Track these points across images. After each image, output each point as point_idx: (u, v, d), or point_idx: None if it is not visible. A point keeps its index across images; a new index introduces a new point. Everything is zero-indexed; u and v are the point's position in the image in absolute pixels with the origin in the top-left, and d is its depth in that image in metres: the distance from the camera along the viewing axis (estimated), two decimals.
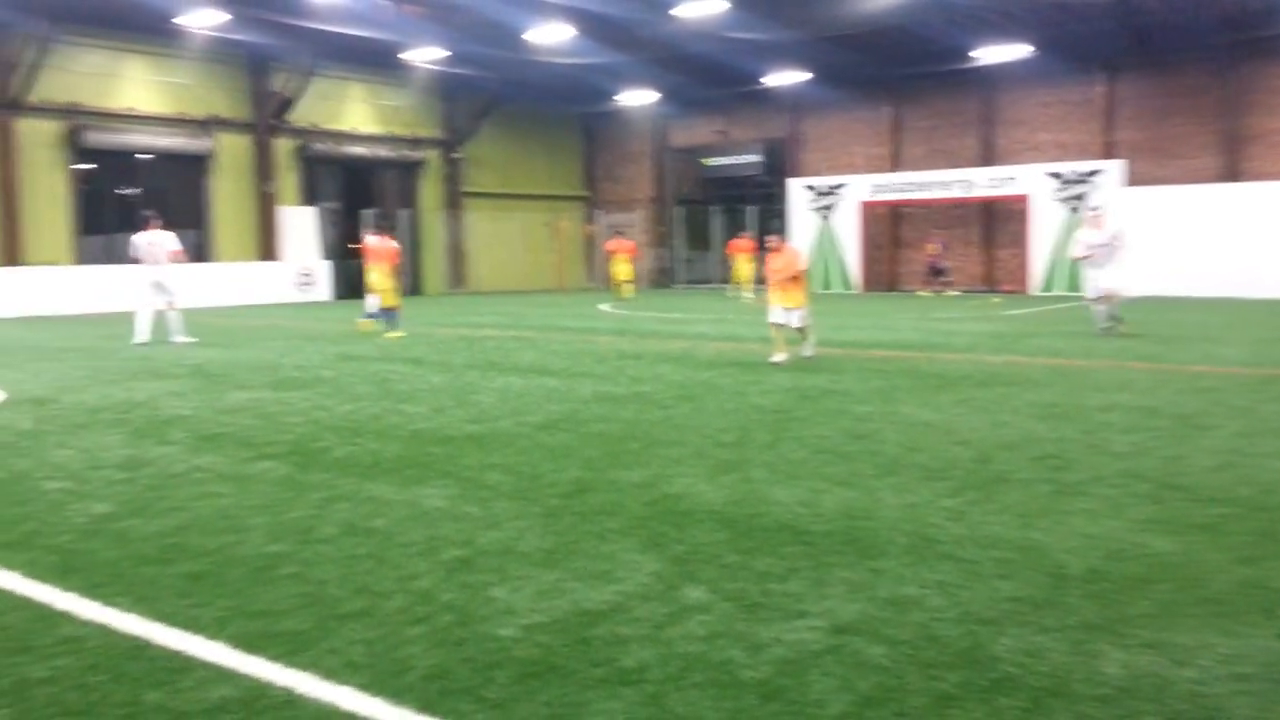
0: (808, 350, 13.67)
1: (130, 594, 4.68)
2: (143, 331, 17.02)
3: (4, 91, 26.93)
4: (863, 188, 34.40)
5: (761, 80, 34.69)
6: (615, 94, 37.98)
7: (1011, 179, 31.69)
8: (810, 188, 35.64)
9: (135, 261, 17.58)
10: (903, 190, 33.92)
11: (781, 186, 37.07)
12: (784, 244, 13.96)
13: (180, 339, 17.06)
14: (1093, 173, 30.02)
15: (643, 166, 41.79)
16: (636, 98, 38.10)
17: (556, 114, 40.53)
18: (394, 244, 19.44)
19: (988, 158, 33.14)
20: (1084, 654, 3.86)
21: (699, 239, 41.10)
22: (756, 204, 38.09)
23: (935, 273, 32.35)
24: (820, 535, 5.41)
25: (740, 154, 39.27)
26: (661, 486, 6.55)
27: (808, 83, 34.38)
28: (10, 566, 5.11)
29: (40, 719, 3.46)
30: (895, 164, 35.06)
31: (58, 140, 28.44)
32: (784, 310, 13.44)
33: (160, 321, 17.22)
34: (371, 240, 19.65)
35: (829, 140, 36.90)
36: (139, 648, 4.07)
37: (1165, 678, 3.65)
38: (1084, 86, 31.52)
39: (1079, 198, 29.83)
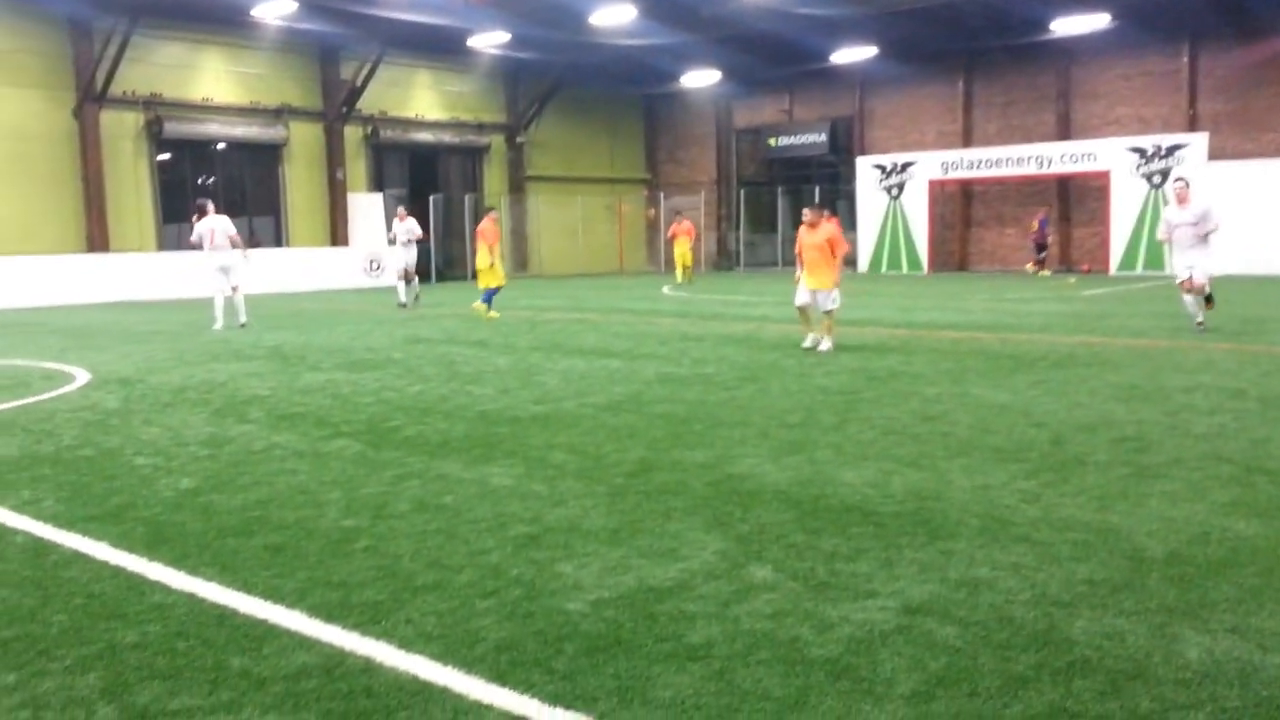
0: (824, 344, 12.55)
1: (215, 564, 4.84)
2: (219, 316, 17.41)
3: (89, 84, 27.72)
4: (932, 165, 33.66)
5: (827, 57, 34.10)
6: (678, 75, 37.74)
7: (1090, 155, 30.72)
8: (878, 166, 34.95)
9: (196, 248, 17.88)
10: (974, 168, 33.14)
11: (848, 166, 36.57)
12: (821, 218, 13.04)
13: (242, 320, 17.33)
14: (1176, 147, 29.08)
15: (705, 148, 41.51)
16: (699, 78, 37.82)
17: (619, 97, 40.47)
18: (495, 225, 19.46)
19: (1065, 133, 32.17)
20: (1164, 638, 3.79)
21: (763, 221, 40.78)
22: (822, 184, 37.54)
23: (1040, 248, 30.71)
24: (889, 516, 5.38)
25: (805, 133, 38.64)
26: (725, 467, 6.56)
27: (875, 58, 33.67)
28: (102, 538, 5.31)
29: (130, 681, 3.58)
30: (967, 141, 34.25)
31: (139, 131, 29.28)
32: (809, 291, 12.73)
33: (229, 305, 17.58)
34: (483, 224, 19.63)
35: (897, 117, 36.19)
36: (224, 615, 4.20)
37: (1250, 663, 3.58)
38: (1167, 57, 30.43)
39: (1162, 173, 28.99)
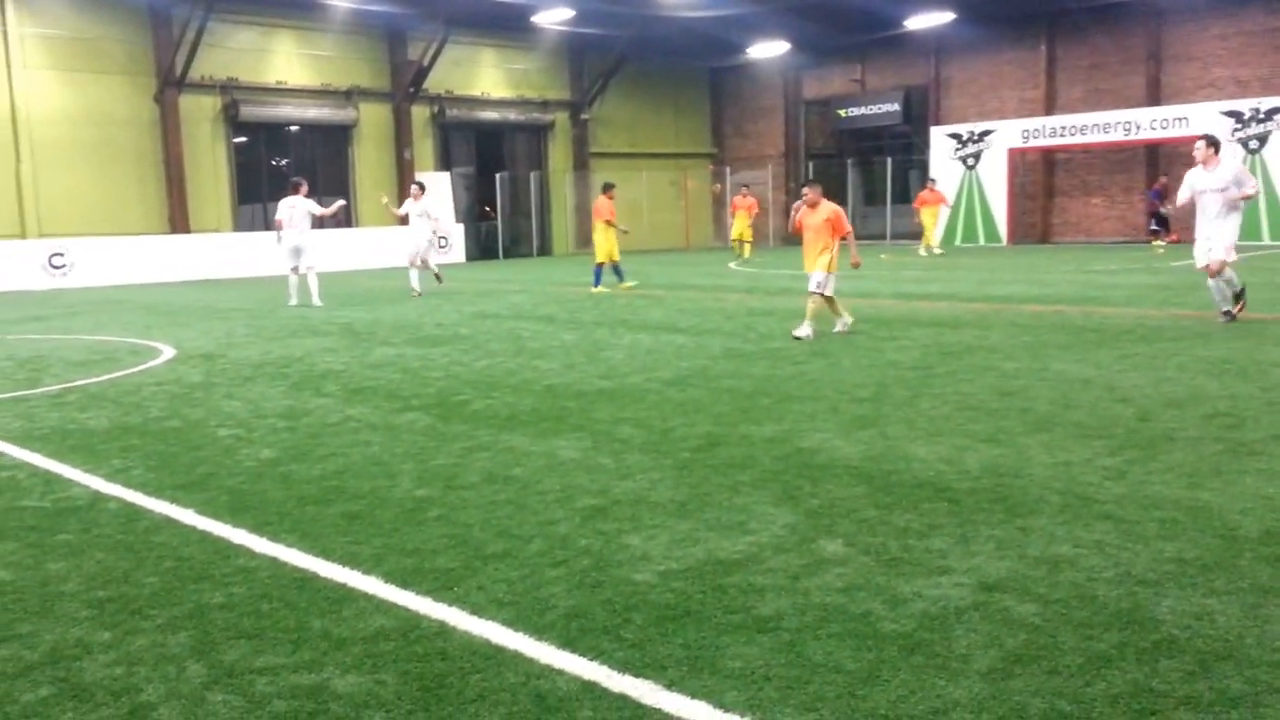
0: (803, 328, 11.41)
1: (295, 531, 4.97)
2: (293, 294, 17.76)
3: (169, 70, 28.58)
4: (1012, 134, 32.76)
5: (901, 24, 33.29)
6: (745, 47, 37.31)
7: (1182, 119, 29.40)
8: (954, 136, 34.12)
9: (278, 226, 18.23)
10: (1057, 135, 32.07)
11: (922, 136, 35.75)
12: (821, 196, 11.78)
13: (316, 301, 17.58)
14: (1276, 110, 27.93)
15: (773, 121, 40.98)
16: (767, 50, 37.32)
17: (684, 71, 40.27)
18: (609, 201, 19.40)
19: (1155, 97, 30.94)
20: (1257, 619, 3.68)
21: (832, 194, 40.04)
22: (894, 155, 36.77)
23: (1159, 221, 28.48)
24: (965, 493, 5.31)
25: (877, 103, 37.76)
26: (794, 441, 6.53)
27: (951, 23, 32.77)
28: (189, 505, 5.49)
29: (218, 640, 3.70)
30: (1049, 107, 33.14)
31: (216, 114, 30.18)
32: (809, 274, 11.58)
33: (303, 284, 17.90)
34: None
35: (975, 85, 35.21)
36: (304, 579, 4.32)
37: None
38: (1268, 15, 29.05)
39: (1260, 138, 27.89)
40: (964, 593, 3.97)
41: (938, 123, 35.24)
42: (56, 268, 26.42)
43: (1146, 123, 30.26)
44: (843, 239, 11.62)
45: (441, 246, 32.39)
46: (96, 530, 5.08)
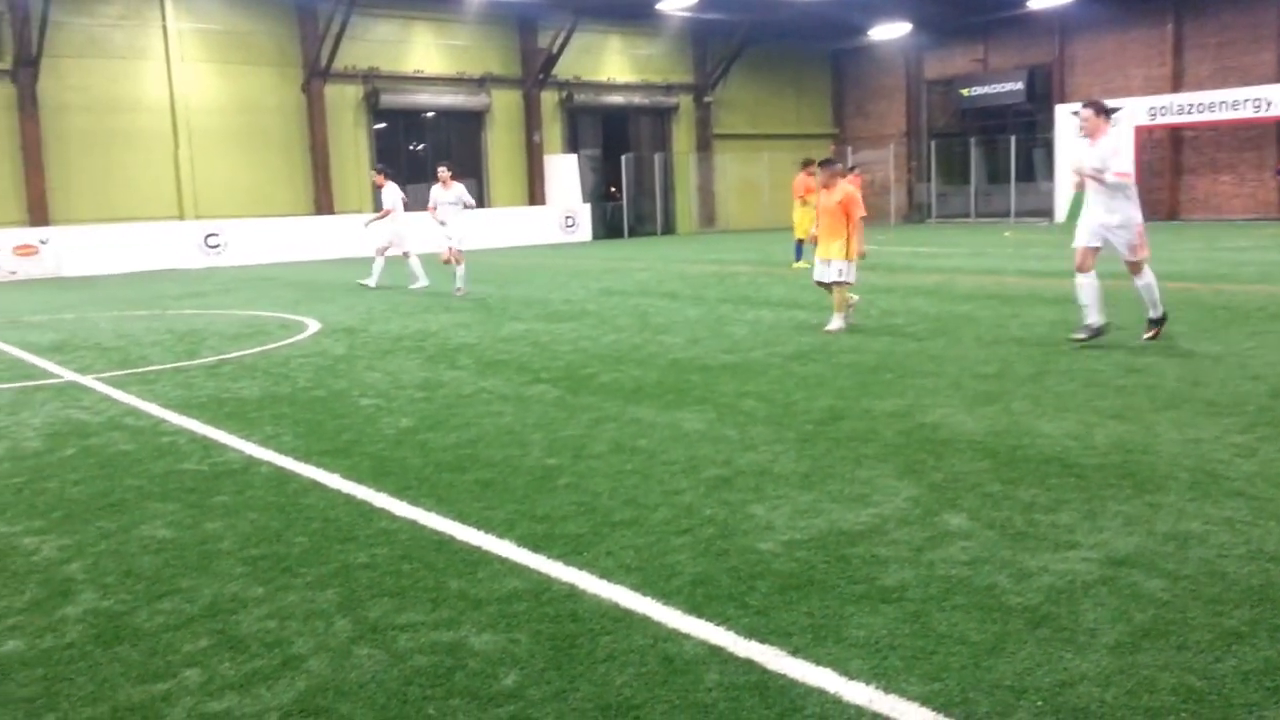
0: (833, 322, 10.52)
1: (433, 496, 5.20)
2: (421, 274, 17.38)
3: (314, 61, 30.04)
4: (1138, 111, 31.80)
5: (1024, 3, 32.84)
6: (866, 28, 37.10)
7: None
8: (1078, 114, 33.34)
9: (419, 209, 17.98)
10: (1185, 113, 31.15)
11: (1045, 114, 35.02)
12: (837, 177, 10.73)
13: (417, 285, 17.08)
14: None
15: (895, 101, 40.52)
16: (889, 31, 37.06)
17: (806, 53, 40.14)
18: (812, 179, 18.50)
19: None
20: None
21: (954, 173, 39.55)
22: (1018, 134, 36.20)
23: None
24: (1092, 468, 5.23)
25: (1000, 82, 37.33)
26: (917, 416, 6.51)
27: (1076, 2, 32.18)
28: (334, 470, 5.78)
29: (363, 598, 3.92)
30: (1176, 85, 32.31)
31: (359, 102, 31.61)
32: (822, 263, 10.60)
33: (398, 266, 17.94)
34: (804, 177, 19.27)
35: (1101, 62, 34.46)
36: (442, 542, 4.52)
37: None
38: None
39: None
40: (1091, 567, 3.94)
41: (1062, 101, 34.34)
42: (211, 247, 27.94)
43: (1277, 100, 29.05)
44: (853, 223, 10.44)
45: (570, 227, 33.01)
46: (250, 492, 5.39)
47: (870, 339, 9.80)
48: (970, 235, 29.07)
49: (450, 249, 16.09)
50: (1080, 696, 2.98)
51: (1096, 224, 8.84)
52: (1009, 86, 37.02)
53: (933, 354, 8.84)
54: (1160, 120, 31.73)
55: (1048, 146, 34.36)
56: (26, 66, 26.42)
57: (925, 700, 2.98)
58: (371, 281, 17.62)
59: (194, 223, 28.42)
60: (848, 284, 10.54)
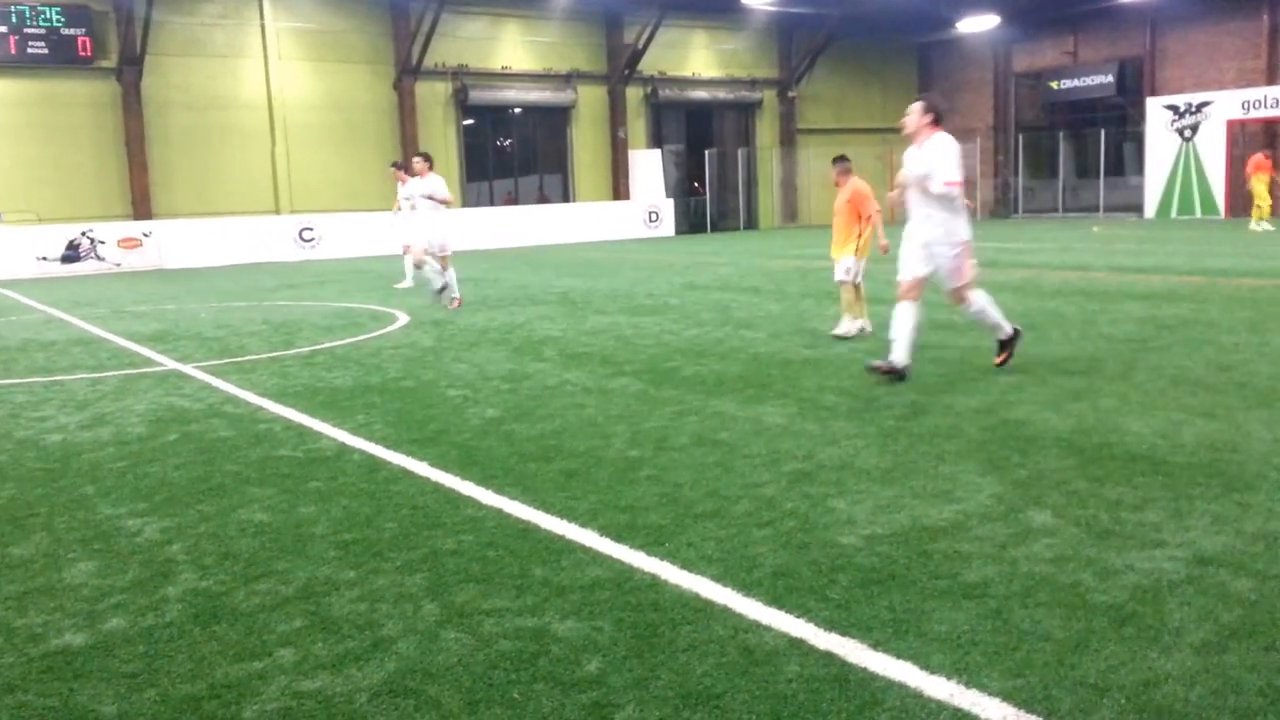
0: (842, 325, 10.00)
1: (517, 485, 5.31)
2: (410, 276, 16.81)
3: (406, 59, 30.76)
4: (1231, 104, 31.17)
5: None
6: (953, 21, 36.66)
7: None
8: (1169, 107, 32.66)
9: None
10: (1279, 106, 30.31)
11: (1136, 108, 34.30)
12: (844, 174, 10.16)
13: (402, 285, 16.71)
14: None
15: (982, 94, 39.94)
16: (976, 23, 36.57)
17: (891, 46, 39.79)
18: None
19: None
20: None
21: (1042, 167, 38.82)
22: (1107, 127, 35.50)
23: None
24: (1180, 467, 5.14)
25: (1090, 75, 36.69)
26: (1001, 412, 6.44)
27: None
28: (423, 458, 5.93)
29: (450, 583, 4.02)
30: (1271, 77, 31.44)
31: (448, 99, 32.30)
32: (836, 262, 10.09)
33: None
34: None
35: (1192, 55, 33.66)
36: (527, 530, 4.62)
37: None
38: None
39: None
40: (1178, 566, 3.88)
41: (1153, 94, 33.53)
42: (306, 241, 28.76)
43: None
44: (866, 220, 10.00)
45: (653, 222, 33.21)
46: (342, 479, 5.56)
47: (955, 335, 9.69)
48: (1058, 230, 28.46)
49: (424, 250, 14.07)
50: (1165, 696, 2.95)
51: (919, 244, 7.62)
52: (1099, 79, 36.38)
53: (1018, 350, 8.69)
54: (1254, 114, 30.96)
55: (1138, 140, 33.71)
56: (131, 65, 27.42)
57: (1007, 696, 2.98)
58: (436, 281, 14.92)
59: (289, 217, 29.26)
60: (849, 282, 9.94)
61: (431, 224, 14.22)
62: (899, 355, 7.48)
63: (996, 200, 39.51)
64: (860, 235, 9.99)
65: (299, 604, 3.86)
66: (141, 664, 3.42)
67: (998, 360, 7.86)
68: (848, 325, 10.01)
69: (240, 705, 3.11)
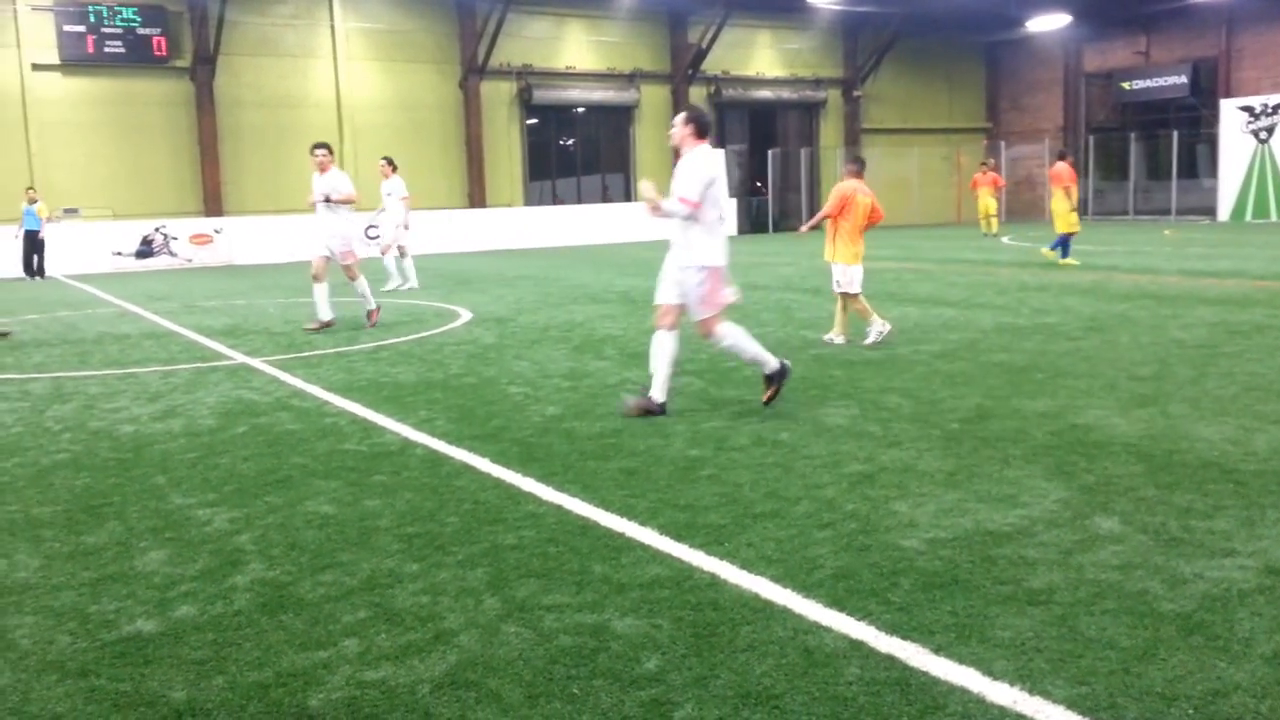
0: (837, 336, 9.74)
1: (578, 482, 5.33)
2: (395, 275, 17.49)
3: (471, 59, 31.16)
4: None
5: None
6: (1023, 20, 36.18)
7: None
8: (1245, 109, 31.85)
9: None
10: None
11: (1210, 109, 33.53)
12: (850, 177, 10.07)
13: (390, 285, 17.22)
14: None
15: (1051, 94, 39.33)
16: (1046, 22, 36.05)
17: (958, 45, 39.32)
18: (1070, 167, 18.18)
19: None
20: None
21: (1113, 169, 38.09)
22: (1180, 128, 34.83)
23: None
24: (1252, 474, 5.02)
25: (1163, 76, 36.05)
26: (1068, 417, 6.34)
27: None
28: (484, 454, 5.99)
29: (510, 578, 4.06)
30: None
31: (512, 99, 32.64)
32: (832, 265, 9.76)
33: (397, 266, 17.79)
34: (1059, 166, 18.42)
35: (1269, 56, 32.92)
36: (587, 527, 4.64)
37: None
38: None
39: None
40: (1248, 575, 3.80)
41: (1228, 95, 32.73)
42: (371, 239, 28.97)
43: None
44: (872, 224, 9.95)
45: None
46: (406, 473, 5.63)
47: (1021, 338, 9.55)
48: (1128, 233, 27.93)
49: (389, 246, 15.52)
50: (1234, 706, 2.89)
51: (675, 268, 7.01)
52: (1172, 80, 35.73)
53: (1086, 354, 8.57)
54: None
55: (1212, 142, 32.93)
56: (204, 64, 28.04)
57: (1071, 704, 2.94)
58: (402, 285, 17.16)
59: (356, 215, 29.67)
60: (854, 294, 9.66)
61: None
62: (657, 391, 6.90)
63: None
64: (835, 238, 9.73)
65: (363, 595, 3.91)
66: (210, 651, 3.49)
67: (764, 399, 6.99)
68: (838, 334, 9.75)
69: (306, 694, 3.17)
